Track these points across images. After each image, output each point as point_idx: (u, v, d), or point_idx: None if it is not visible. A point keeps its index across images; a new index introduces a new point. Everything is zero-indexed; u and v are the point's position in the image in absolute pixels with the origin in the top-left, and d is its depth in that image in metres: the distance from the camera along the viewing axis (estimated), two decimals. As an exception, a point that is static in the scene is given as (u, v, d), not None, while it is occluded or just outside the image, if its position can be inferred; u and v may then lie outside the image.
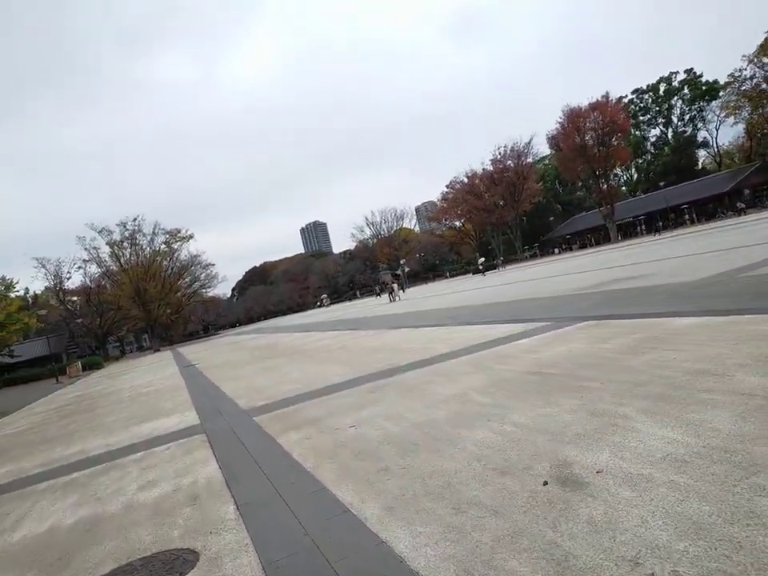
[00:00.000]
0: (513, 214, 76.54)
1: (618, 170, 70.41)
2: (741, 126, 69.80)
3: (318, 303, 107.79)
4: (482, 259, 55.26)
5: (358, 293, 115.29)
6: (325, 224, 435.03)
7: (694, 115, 72.56)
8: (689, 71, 71.35)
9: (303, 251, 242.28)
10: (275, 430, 5.73)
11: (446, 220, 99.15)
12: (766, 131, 70.85)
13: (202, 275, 76.70)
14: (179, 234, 66.61)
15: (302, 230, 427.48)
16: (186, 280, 75.41)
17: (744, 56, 57.18)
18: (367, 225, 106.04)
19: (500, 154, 77.57)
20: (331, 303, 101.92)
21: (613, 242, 60.40)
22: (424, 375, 6.86)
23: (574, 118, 62.10)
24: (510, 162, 77.33)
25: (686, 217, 56.74)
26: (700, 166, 78.03)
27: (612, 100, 62.90)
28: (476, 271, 70.48)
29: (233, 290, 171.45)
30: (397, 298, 39.53)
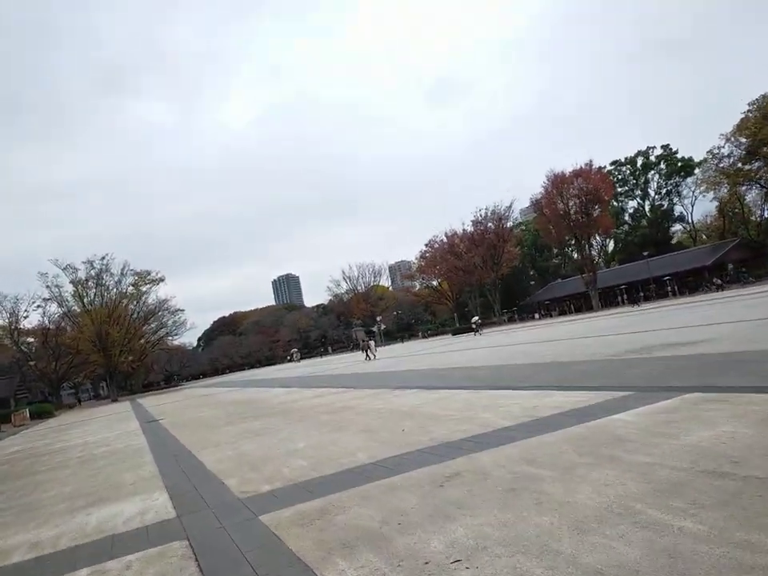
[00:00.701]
0: (492, 276, 75.99)
1: (596, 239, 70.69)
2: (712, 204, 71.80)
3: (288, 358, 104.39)
4: (476, 318, 53.56)
5: (330, 348, 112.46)
6: (297, 277, 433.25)
7: (671, 190, 74.30)
8: (665, 147, 73.52)
9: (274, 303, 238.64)
10: (308, 549, 3.58)
11: (423, 278, 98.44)
12: (737, 210, 73.01)
13: (170, 321, 73.24)
14: (149, 276, 63.63)
15: (274, 282, 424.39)
16: (152, 326, 71.81)
17: (722, 134, 59.13)
18: (344, 279, 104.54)
19: (481, 215, 77.86)
20: (302, 358, 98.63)
21: (595, 310, 59.74)
22: (512, 462, 4.80)
23: (558, 183, 62.66)
24: (490, 224, 77.51)
25: (668, 288, 56.56)
26: (675, 241, 79.50)
27: (595, 168, 63.88)
28: (455, 332, 68.99)
29: (199, 339, 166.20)
30: (373, 356, 37.63)
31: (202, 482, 6.43)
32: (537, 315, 73.27)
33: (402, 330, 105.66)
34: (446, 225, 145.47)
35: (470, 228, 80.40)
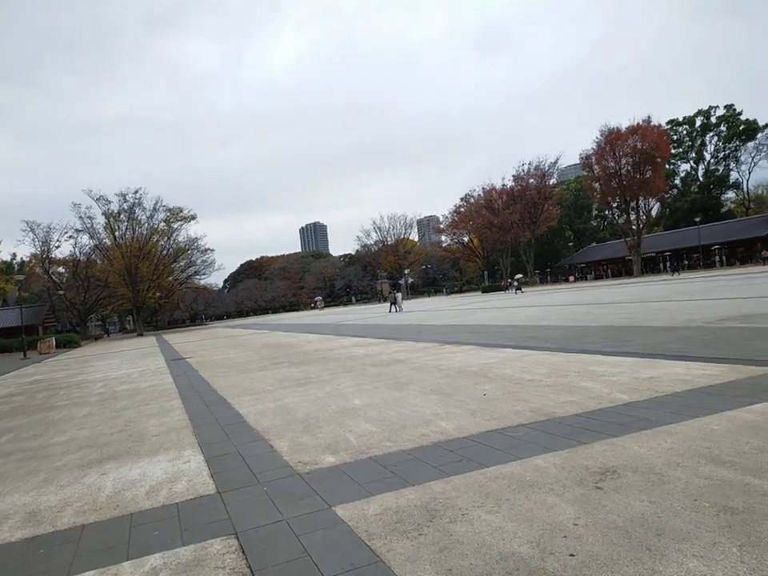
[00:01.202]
0: (528, 234, 73.37)
1: (642, 202, 66.58)
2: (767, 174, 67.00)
3: (312, 305, 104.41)
4: (520, 275, 51.36)
5: (353, 299, 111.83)
6: (325, 226, 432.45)
7: (728, 154, 69.48)
8: (728, 107, 68.01)
9: (300, 251, 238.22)
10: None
11: (454, 233, 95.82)
12: (796, 181, 68.07)
13: (199, 260, 72.69)
14: (181, 213, 62.72)
15: (302, 230, 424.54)
16: (181, 264, 71.44)
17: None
18: (374, 229, 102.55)
19: (524, 170, 74.61)
20: (325, 306, 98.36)
21: (635, 276, 57.23)
22: (683, 458, 3.39)
23: (611, 140, 58.80)
24: (532, 180, 74.33)
25: (716, 258, 53.59)
26: (724, 209, 75.31)
27: (653, 124, 59.43)
28: (485, 290, 67.28)
29: (225, 281, 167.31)
30: (399, 309, 36.67)
31: (243, 442, 5.18)
32: (572, 278, 70.88)
33: (428, 285, 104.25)
34: (484, 180, 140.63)
35: (510, 183, 77.35)
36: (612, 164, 59.64)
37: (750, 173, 69.80)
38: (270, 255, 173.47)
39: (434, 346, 11.86)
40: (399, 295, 40.37)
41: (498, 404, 5.51)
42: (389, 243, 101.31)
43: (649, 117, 59.90)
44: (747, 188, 72.24)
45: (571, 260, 79.81)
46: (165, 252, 65.65)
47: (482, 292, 65.33)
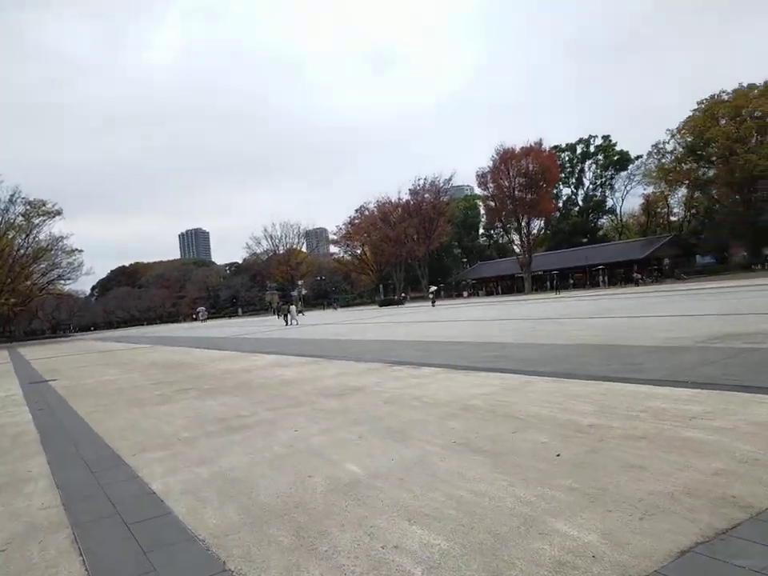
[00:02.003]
0: (424, 249, 73.70)
1: (533, 222, 69.35)
2: (636, 201, 73.00)
3: (194, 316, 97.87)
4: (434, 288, 50.30)
5: (240, 310, 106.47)
6: (208, 233, 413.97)
7: (605, 182, 74.95)
8: (606, 137, 73.64)
9: (180, 258, 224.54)
10: None
11: (348, 245, 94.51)
12: (659, 209, 75.00)
13: (64, 262, 64.18)
14: (44, 207, 54.88)
15: (181, 236, 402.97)
16: (42, 266, 62.75)
17: (668, 130, 58.86)
18: (265, 237, 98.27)
19: (419, 185, 75.05)
20: (209, 318, 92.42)
21: (526, 293, 59.00)
22: None
23: (506, 159, 60.63)
24: (427, 195, 74.96)
25: (600, 278, 56.74)
26: (602, 232, 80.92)
27: (545, 148, 62.45)
28: (382, 303, 66.19)
29: (93, 288, 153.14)
30: (294, 322, 34.64)
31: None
32: (465, 293, 72.03)
33: (321, 297, 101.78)
34: (375, 193, 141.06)
35: (406, 197, 77.59)
36: (506, 183, 61.53)
37: (623, 200, 75.81)
38: (145, 261, 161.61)
39: (383, 366, 9.70)
40: (293, 308, 38.89)
41: (608, 476, 3.44)
42: (280, 253, 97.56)
43: (541, 140, 62.96)
44: (621, 213, 78.27)
45: (463, 276, 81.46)
46: (22, 251, 57.19)
47: (380, 306, 64.18)
